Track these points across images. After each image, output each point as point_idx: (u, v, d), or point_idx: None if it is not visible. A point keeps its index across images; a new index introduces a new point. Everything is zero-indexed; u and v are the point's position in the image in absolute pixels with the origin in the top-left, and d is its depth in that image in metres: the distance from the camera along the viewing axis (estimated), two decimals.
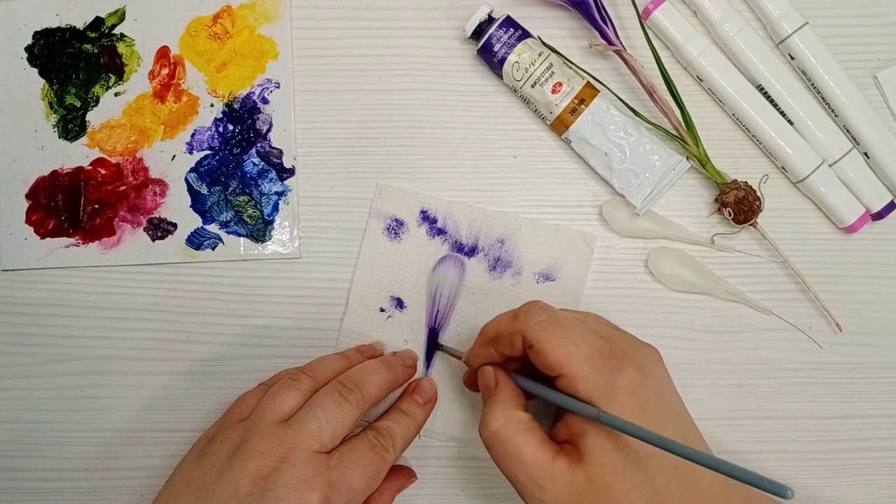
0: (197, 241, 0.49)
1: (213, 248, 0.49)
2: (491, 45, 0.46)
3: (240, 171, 0.49)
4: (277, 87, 0.49)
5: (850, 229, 0.48)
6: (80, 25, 0.50)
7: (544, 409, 0.45)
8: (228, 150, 0.49)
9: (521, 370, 0.41)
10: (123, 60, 0.50)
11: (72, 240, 0.49)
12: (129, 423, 0.49)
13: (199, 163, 0.49)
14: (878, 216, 0.48)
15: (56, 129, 0.49)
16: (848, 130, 0.48)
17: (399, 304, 0.48)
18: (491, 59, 0.47)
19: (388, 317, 0.48)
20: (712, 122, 0.49)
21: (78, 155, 0.49)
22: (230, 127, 0.49)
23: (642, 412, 0.36)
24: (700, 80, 0.48)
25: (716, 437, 0.46)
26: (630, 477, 0.35)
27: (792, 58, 0.48)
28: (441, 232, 0.49)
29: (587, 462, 0.36)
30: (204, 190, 0.49)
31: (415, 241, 0.49)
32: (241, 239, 0.49)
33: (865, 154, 0.48)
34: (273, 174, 0.49)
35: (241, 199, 0.49)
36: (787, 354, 0.49)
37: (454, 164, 0.49)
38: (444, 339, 0.48)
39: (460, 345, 0.48)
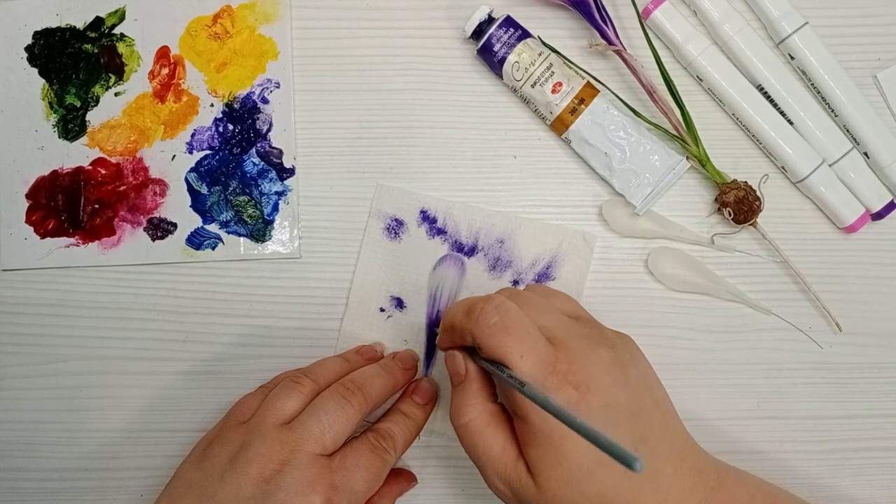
0: (197, 240, 0.49)
1: (213, 248, 0.49)
2: (491, 45, 0.46)
3: (240, 170, 0.49)
4: (277, 87, 0.49)
5: (850, 229, 0.48)
6: (80, 25, 0.50)
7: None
8: (228, 150, 0.49)
9: None
10: (123, 60, 0.50)
11: (72, 240, 0.49)
12: (129, 423, 0.49)
13: (199, 163, 0.49)
14: (878, 216, 0.48)
15: (56, 129, 0.49)
16: (848, 130, 0.48)
17: (399, 303, 0.48)
18: (491, 59, 0.47)
19: (389, 317, 0.48)
20: (712, 122, 0.49)
21: (78, 155, 0.49)
22: (230, 127, 0.49)
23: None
24: (700, 80, 0.48)
25: (716, 437, 0.46)
26: (577, 487, 0.35)
27: (792, 58, 0.48)
28: (441, 232, 0.49)
29: (534, 473, 0.36)
30: (204, 190, 0.49)
31: (415, 241, 0.49)
32: (241, 239, 0.49)
33: (865, 154, 0.48)
34: (273, 174, 0.49)
35: (241, 199, 0.49)
36: (787, 354, 0.49)
37: (454, 164, 0.49)
38: None
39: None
